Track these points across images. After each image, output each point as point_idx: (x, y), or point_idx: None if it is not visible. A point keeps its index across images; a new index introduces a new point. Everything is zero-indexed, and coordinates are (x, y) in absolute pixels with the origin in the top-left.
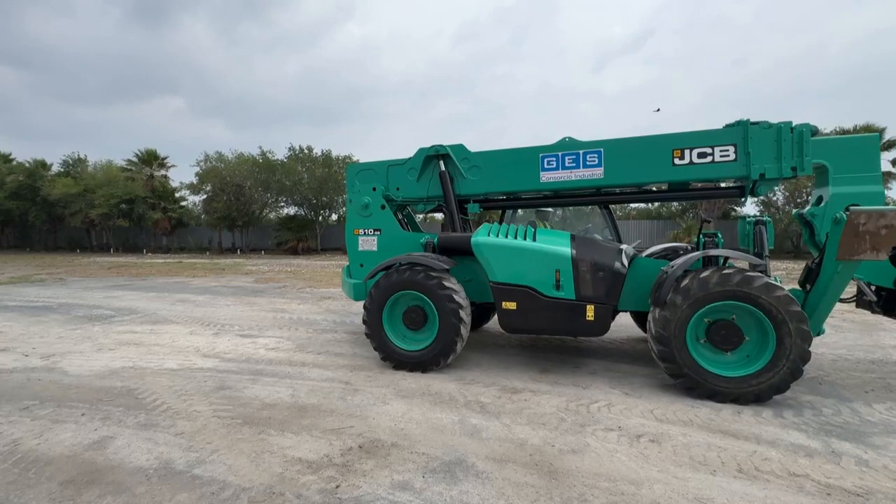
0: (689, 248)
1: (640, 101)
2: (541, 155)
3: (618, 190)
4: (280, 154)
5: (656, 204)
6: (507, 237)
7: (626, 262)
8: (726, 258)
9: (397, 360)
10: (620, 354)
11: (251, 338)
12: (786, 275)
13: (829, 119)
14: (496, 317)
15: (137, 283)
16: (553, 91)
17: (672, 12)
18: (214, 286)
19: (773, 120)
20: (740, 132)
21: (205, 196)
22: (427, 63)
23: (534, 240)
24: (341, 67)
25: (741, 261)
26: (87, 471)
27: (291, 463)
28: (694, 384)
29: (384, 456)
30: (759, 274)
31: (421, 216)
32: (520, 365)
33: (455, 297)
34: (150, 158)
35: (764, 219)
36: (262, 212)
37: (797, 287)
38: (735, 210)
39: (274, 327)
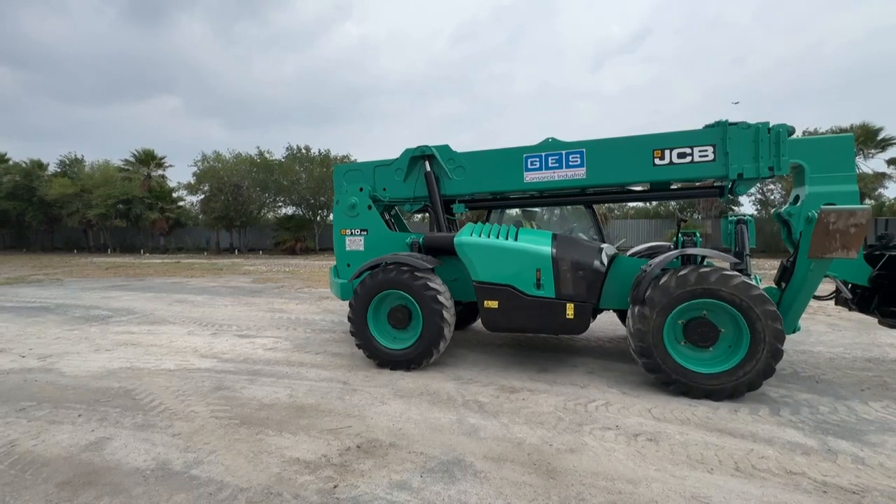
0: (671, 247)
1: (639, 101)
2: (524, 155)
3: (601, 190)
4: (278, 154)
5: (654, 203)
6: (489, 237)
7: (605, 260)
8: (704, 257)
9: (381, 359)
10: (618, 354)
11: (249, 338)
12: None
13: (827, 119)
14: None
15: (135, 283)
16: (551, 90)
17: (670, 12)
18: (212, 286)
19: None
20: (719, 133)
21: (202, 196)
22: (426, 63)
23: (515, 239)
24: (340, 67)
25: (719, 259)
26: (83, 472)
27: (289, 463)
28: (668, 379)
29: (382, 456)
30: (734, 272)
31: (419, 216)
32: (518, 364)
33: (439, 297)
34: (148, 158)
35: (745, 218)
36: (260, 212)
37: (773, 286)
38: (732, 209)
39: (272, 327)
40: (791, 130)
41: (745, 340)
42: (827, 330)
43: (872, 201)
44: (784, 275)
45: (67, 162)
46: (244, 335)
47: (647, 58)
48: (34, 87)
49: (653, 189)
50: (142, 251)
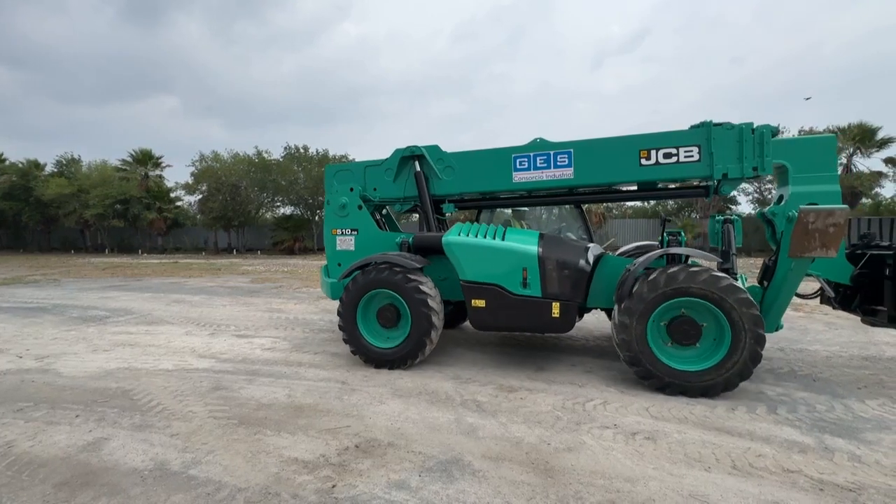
0: (658, 246)
1: (639, 101)
2: (513, 155)
3: (589, 190)
4: (277, 154)
5: (652, 203)
6: (476, 236)
7: (590, 260)
8: (688, 256)
9: (370, 357)
10: (616, 353)
11: (247, 338)
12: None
13: (826, 118)
14: None
15: (132, 283)
16: (551, 90)
17: (670, 11)
18: (210, 286)
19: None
20: (704, 133)
21: (200, 196)
22: (425, 62)
23: (503, 239)
24: (339, 67)
25: (703, 259)
26: (81, 472)
27: (287, 463)
28: (661, 383)
29: (381, 455)
30: (701, 268)
31: (415, 217)
32: (516, 363)
33: (427, 296)
34: (145, 158)
35: (732, 218)
36: (258, 212)
37: (756, 284)
38: (730, 208)
39: (270, 327)
40: (775, 131)
41: (726, 332)
42: (824, 329)
43: (869, 200)
44: (766, 274)
45: (64, 162)
46: (242, 335)
47: (646, 57)
48: (32, 86)
49: (640, 189)
50: (139, 251)
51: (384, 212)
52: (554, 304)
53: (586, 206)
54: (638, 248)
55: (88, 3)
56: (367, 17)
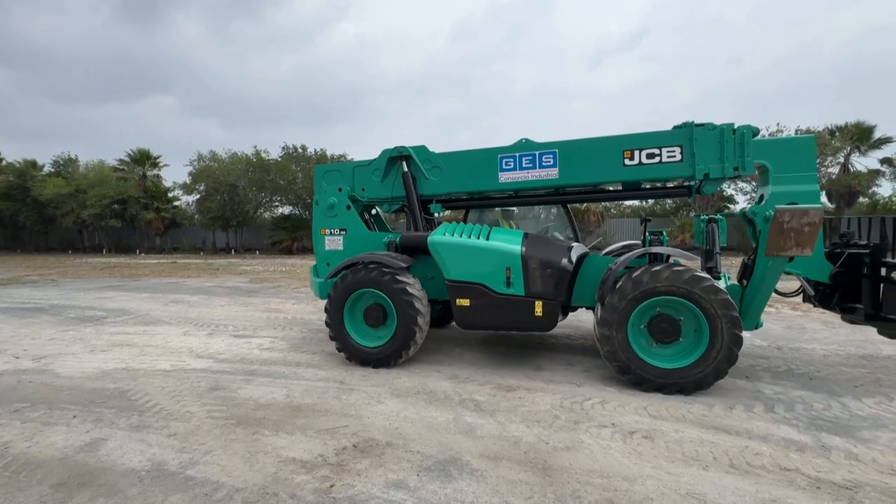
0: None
1: (637, 100)
2: (499, 156)
3: (575, 189)
4: (274, 153)
5: (650, 202)
6: (461, 236)
7: (573, 259)
8: (668, 255)
9: (356, 356)
10: None
11: (245, 338)
12: None
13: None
14: None
15: (130, 283)
16: (549, 89)
17: (669, 11)
18: (208, 286)
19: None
20: (686, 134)
21: (198, 196)
22: (423, 61)
23: (488, 239)
24: (338, 66)
25: (684, 258)
26: (78, 473)
27: (285, 463)
28: (656, 386)
29: (379, 455)
30: (664, 266)
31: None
32: (514, 363)
33: (412, 297)
34: (143, 158)
35: (716, 217)
36: (257, 211)
37: (736, 283)
38: (728, 207)
39: (268, 327)
40: (756, 131)
41: (702, 322)
42: (821, 327)
43: (867, 199)
44: (746, 272)
45: (62, 162)
46: (240, 335)
47: (645, 57)
48: (28, 86)
49: (625, 189)
50: (137, 251)
51: (373, 212)
52: (537, 302)
53: (585, 205)
54: (623, 247)
55: (84, 1)
56: (366, 17)
